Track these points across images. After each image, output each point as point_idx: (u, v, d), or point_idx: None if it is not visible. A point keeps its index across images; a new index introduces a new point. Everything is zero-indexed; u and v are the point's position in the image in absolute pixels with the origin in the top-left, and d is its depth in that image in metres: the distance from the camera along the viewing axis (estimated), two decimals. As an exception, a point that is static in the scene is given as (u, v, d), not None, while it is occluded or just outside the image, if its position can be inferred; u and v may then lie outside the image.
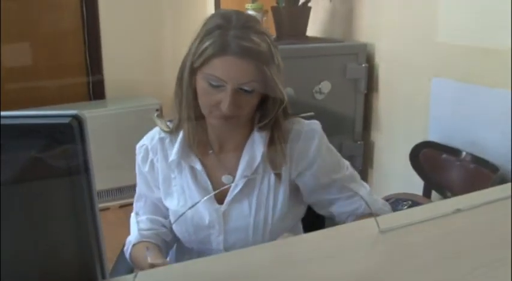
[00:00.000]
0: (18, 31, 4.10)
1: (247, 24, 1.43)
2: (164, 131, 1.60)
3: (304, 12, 3.28)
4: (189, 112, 1.52)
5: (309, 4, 3.25)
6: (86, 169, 0.86)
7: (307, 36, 3.32)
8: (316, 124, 1.63)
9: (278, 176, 1.57)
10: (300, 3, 3.24)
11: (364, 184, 1.70)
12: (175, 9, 4.65)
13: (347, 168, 1.67)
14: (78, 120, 0.84)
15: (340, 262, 1.17)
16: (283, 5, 3.20)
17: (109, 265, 1.65)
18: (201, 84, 1.45)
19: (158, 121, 1.62)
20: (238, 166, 1.58)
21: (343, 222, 1.63)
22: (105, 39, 4.47)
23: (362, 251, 1.21)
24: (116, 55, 4.49)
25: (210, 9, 4.66)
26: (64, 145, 0.84)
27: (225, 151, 1.60)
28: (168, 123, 1.62)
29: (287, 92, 1.58)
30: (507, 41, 2.25)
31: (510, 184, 1.51)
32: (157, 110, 4.24)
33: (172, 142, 1.60)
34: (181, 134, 1.58)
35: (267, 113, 1.54)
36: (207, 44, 1.41)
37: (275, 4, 3.25)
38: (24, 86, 4.13)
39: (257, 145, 1.57)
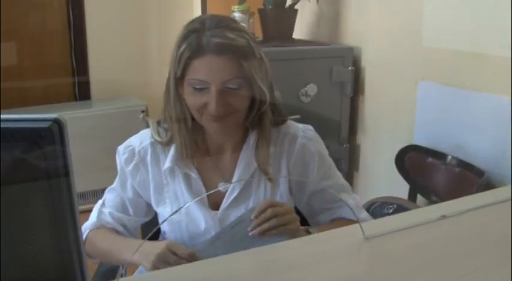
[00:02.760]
0: (3, 30, 4.06)
1: (221, 23, 1.43)
2: (157, 141, 1.57)
3: (291, 14, 3.27)
4: (179, 123, 1.51)
5: (296, 7, 3.25)
6: (66, 173, 0.85)
7: (293, 39, 3.32)
8: (310, 130, 1.64)
9: (270, 180, 1.57)
10: (287, 5, 3.24)
11: (354, 196, 1.71)
12: (162, 10, 4.63)
13: (338, 178, 1.68)
14: (58, 124, 0.82)
15: (324, 268, 1.16)
16: (270, 7, 3.19)
17: (94, 267, 1.65)
18: (186, 90, 1.45)
19: (152, 127, 1.59)
20: (235, 172, 1.57)
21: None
22: (91, 39, 4.45)
23: (347, 258, 1.21)
24: (101, 56, 4.47)
25: (197, 10, 4.65)
26: (44, 149, 0.82)
27: (222, 157, 1.59)
28: (160, 129, 1.58)
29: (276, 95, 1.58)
30: (493, 45, 2.26)
31: (493, 190, 1.52)
32: (143, 111, 4.22)
33: (165, 148, 1.58)
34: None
35: (251, 111, 1.52)
36: (182, 48, 1.41)
37: (262, 6, 3.24)
38: (9, 86, 4.10)
39: (252, 148, 1.57)
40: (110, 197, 1.67)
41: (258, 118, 1.54)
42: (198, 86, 1.41)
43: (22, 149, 0.82)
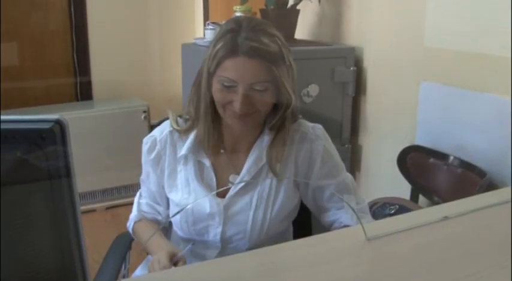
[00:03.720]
0: (5, 31, 4.06)
1: (257, 27, 1.49)
2: (175, 129, 1.64)
3: (293, 14, 3.27)
4: (207, 115, 1.58)
5: (298, 7, 3.24)
6: (68, 174, 0.85)
7: (295, 39, 3.31)
8: (319, 129, 1.68)
9: (276, 175, 1.61)
10: (289, 5, 3.23)
11: (360, 199, 1.72)
12: (163, 10, 4.63)
13: (345, 177, 1.70)
14: (60, 125, 0.82)
15: (326, 270, 1.15)
16: (272, 7, 3.18)
17: (96, 267, 1.65)
18: (215, 85, 1.51)
19: (171, 116, 1.67)
20: (244, 164, 1.62)
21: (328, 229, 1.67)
22: (93, 39, 4.45)
23: (349, 259, 1.20)
24: (103, 56, 4.47)
25: (198, 11, 4.65)
26: (45, 150, 0.82)
27: (236, 151, 1.65)
28: (179, 119, 1.66)
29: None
30: (495, 46, 2.25)
31: (495, 191, 1.51)
32: (144, 111, 4.22)
33: (182, 137, 1.64)
34: (194, 132, 1.62)
35: (275, 114, 1.59)
36: (218, 46, 1.48)
37: (264, 6, 3.23)
38: (10, 87, 4.10)
39: (265, 145, 1.62)
40: (143, 188, 1.77)
41: (280, 120, 1.60)
42: (226, 84, 1.47)
43: (23, 150, 0.82)
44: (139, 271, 1.75)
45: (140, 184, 1.78)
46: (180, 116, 1.67)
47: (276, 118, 1.58)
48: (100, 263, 1.73)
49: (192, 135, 1.62)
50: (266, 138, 1.62)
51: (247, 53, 1.44)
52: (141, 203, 1.76)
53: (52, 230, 0.89)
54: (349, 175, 1.72)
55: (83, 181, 3.91)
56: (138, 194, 1.79)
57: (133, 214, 1.77)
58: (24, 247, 0.89)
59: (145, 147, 1.68)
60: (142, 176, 1.74)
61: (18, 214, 0.86)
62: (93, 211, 4.13)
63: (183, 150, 1.62)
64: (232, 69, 1.45)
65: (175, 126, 1.63)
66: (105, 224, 3.96)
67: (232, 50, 1.45)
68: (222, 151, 1.64)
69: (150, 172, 1.70)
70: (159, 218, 1.74)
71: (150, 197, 1.74)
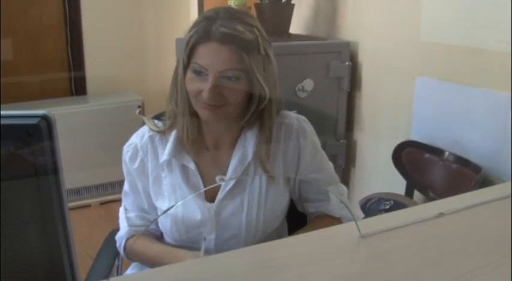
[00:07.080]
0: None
1: (235, 16, 1.46)
2: (154, 131, 1.58)
3: (288, 9, 3.26)
4: (185, 109, 1.52)
5: (293, 1, 3.23)
6: (55, 170, 0.83)
7: (290, 34, 3.31)
8: (304, 120, 1.66)
9: (271, 178, 1.58)
10: (284, 0, 3.22)
11: (342, 187, 1.75)
12: (158, 3, 4.62)
13: (329, 170, 1.71)
14: (46, 120, 0.80)
15: (320, 267, 1.15)
16: (267, 1, 3.17)
17: (90, 262, 1.64)
18: (188, 75, 1.47)
19: (147, 120, 1.61)
20: (230, 163, 1.58)
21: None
22: (87, 34, 4.43)
23: (342, 257, 1.19)
24: (97, 51, 4.46)
25: (193, 5, 4.64)
26: (32, 146, 0.81)
27: (219, 150, 1.60)
28: (156, 121, 1.61)
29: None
30: (491, 41, 2.25)
31: (492, 187, 1.50)
32: (139, 106, 4.21)
33: (163, 141, 1.59)
34: (174, 133, 1.56)
35: (249, 108, 1.53)
36: (192, 32, 1.44)
37: (258, 0, 3.22)
38: (4, 81, 4.08)
39: (249, 142, 1.57)
40: (128, 201, 1.68)
41: (256, 115, 1.55)
42: (197, 70, 1.43)
43: (9, 146, 0.80)
44: (131, 270, 1.73)
45: (122, 198, 1.69)
46: (158, 119, 1.61)
47: (249, 114, 1.53)
48: (94, 258, 1.72)
49: (172, 138, 1.56)
50: (249, 136, 1.57)
51: (218, 39, 1.40)
52: (130, 217, 1.66)
53: (39, 227, 0.87)
54: (330, 164, 1.73)
55: (77, 176, 3.91)
56: (122, 209, 1.69)
57: (124, 230, 1.66)
58: (11, 244, 0.87)
59: (126, 156, 1.62)
60: (126, 188, 1.67)
61: (3, 212, 0.84)
62: (87, 206, 4.12)
63: (165, 155, 1.56)
64: (203, 55, 1.42)
65: (154, 128, 1.58)
66: (100, 219, 3.95)
67: (205, 36, 1.42)
68: (204, 150, 1.59)
69: (136, 182, 1.63)
70: (153, 226, 1.66)
71: (138, 209, 1.66)
